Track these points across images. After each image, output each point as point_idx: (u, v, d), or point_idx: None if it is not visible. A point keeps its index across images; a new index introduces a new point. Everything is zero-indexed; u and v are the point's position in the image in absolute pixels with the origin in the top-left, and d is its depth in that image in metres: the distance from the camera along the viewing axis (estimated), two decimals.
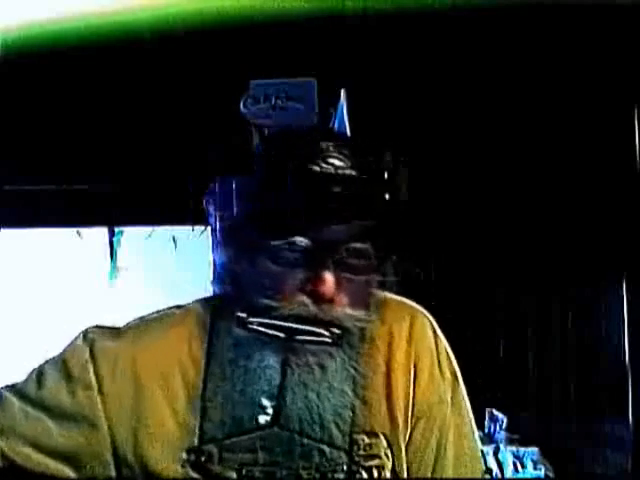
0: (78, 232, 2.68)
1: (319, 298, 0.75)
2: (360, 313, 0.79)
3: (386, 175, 0.82)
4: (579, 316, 2.50)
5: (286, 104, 2.15)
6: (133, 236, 2.71)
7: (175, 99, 2.38)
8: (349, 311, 0.77)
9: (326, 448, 0.80)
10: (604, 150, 2.38)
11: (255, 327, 0.76)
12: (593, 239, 2.37)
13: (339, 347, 0.78)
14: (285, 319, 0.75)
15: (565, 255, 2.40)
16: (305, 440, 0.79)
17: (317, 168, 0.75)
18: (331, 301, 0.76)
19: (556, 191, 2.41)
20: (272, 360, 0.77)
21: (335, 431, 0.80)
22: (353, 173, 0.76)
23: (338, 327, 0.77)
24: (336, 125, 1.83)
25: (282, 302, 0.76)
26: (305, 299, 0.76)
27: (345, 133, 1.01)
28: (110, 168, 2.47)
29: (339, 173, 0.76)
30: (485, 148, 2.44)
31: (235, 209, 0.85)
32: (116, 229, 2.71)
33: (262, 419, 0.79)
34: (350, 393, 0.81)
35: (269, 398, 0.79)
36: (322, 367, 0.78)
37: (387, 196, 0.81)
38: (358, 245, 0.77)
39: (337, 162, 0.76)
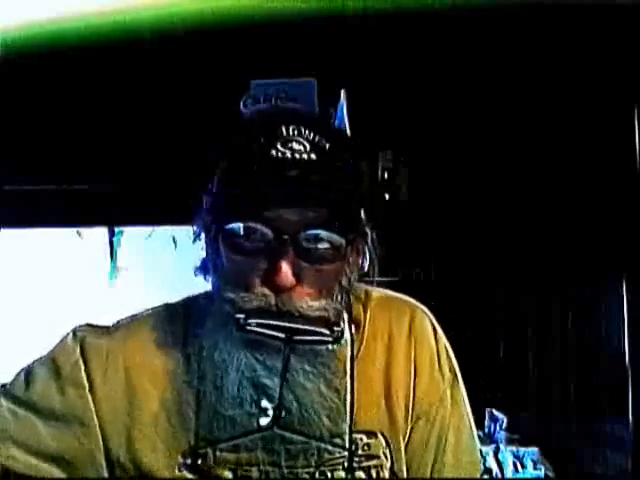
0: (78, 232, 2.68)
1: (277, 288, 0.72)
2: (322, 303, 0.74)
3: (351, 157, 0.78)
4: (579, 316, 2.50)
5: (286, 104, 2.15)
6: (133, 236, 2.71)
7: (175, 99, 2.38)
8: (310, 301, 0.73)
9: (325, 447, 0.78)
10: (604, 150, 2.38)
11: (254, 328, 0.73)
12: (593, 239, 2.36)
13: (339, 345, 0.76)
14: (282, 317, 0.72)
15: (565, 255, 2.40)
16: (304, 440, 0.77)
17: (274, 152, 0.72)
18: (290, 291, 0.72)
19: (556, 191, 2.41)
20: (270, 360, 0.74)
21: (333, 430, 0.78)
22: (313, 157, 0.73)
23: (332, 325, 0.74)
24: (336, 125, 1.83)
25: (244, 294, 0.73)
26: (265, 290, 0.73)
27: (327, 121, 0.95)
28: (110, 168, 2.47)
29: (296, 157, 0.72)
30: (485, 148, 2.44)
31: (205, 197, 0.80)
32: (116, 229, 2.71)
33: (263, 421, 0.77)
34: (348, 391, 0.79)
35: (269, 399, 0.76)
36: (321, 366, 0.76)
37: (350, 180, 0.76)
38: (317, 232, 0.73)
39: (296, 146, 0.73)
